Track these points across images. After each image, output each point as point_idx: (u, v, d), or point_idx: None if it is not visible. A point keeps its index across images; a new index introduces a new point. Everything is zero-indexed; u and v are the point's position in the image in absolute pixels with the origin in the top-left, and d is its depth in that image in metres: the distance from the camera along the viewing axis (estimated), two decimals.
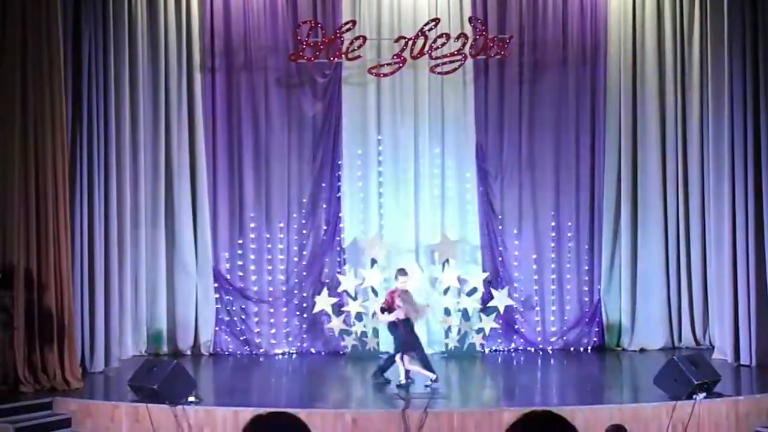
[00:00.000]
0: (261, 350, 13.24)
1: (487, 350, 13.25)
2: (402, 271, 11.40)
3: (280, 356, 13.19)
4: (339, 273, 13.26)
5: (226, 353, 13.21)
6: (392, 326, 11.02)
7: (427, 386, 10.69)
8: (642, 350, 13.24)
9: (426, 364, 10.95)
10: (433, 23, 12.98)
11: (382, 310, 11.09)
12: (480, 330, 13.16)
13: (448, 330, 13.15)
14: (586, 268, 13.46)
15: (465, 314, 13.19)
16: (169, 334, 13.18)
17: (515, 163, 13.45)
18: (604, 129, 13.40)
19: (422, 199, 13.41)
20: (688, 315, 13.31)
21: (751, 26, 11.71)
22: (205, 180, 13.22)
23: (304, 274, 13.36)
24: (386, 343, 12.32)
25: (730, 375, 11.25)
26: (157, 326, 13.11)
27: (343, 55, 13.04)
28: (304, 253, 13.38)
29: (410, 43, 12.98)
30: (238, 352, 13.23)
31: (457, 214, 13.44)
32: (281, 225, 13.40)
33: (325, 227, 13.38)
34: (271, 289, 13.36)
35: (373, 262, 13.11)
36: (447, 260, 13.19)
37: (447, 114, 13.43)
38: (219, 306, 13.26)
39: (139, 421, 9.76)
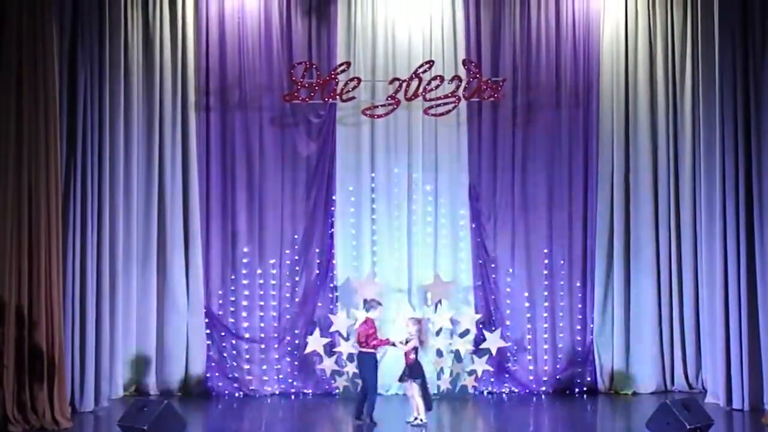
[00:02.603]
0: (252, 390, 13.16)
1: (479, 392, 13.20)
2: (376, 303, 11.61)
3: (271, 396, 13.11)
4: (331, 313, 13.23)
5: (217, 393, 13.12)
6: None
7: (408, 422, 10.70)
8: (634, 393, 13.21)
9: (426, 397, 11.06)
10: (428, 65, 13.09)
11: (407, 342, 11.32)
12: (472, 372, 13.13)
13: (440, 372, 13.12)
14: (579, 317, 13.44)
15: (457, 356, 13.16)
16: (159, 373, 13.11)
17: (508, 203, 13.49)
18: (597, 170, 13.47)
19: (415, 239, 13.42)
20: (680, 358, 13.31)
21: (742, 68, 11.84)
22: (198, 219, 13.22)
23: (297, 313, 13.31)
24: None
25: (722, 419, 11.25)
26: (148, 365, 13.03)
27: (337, 96, 13.12)
28: (297, 293, 13.34)
29: (404, 84, 13.07)
30: (229, 391, 13.13)
31: (450, 254, 13.44)
32: (274, 268, 13.35)
33: (317, 267, 13.36)
34: (262, 331, 13.28)
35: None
36: (440, 301, 13.18)
37: (440, 155, 13.49)
38: (210, 345, 13.20)
39: None
